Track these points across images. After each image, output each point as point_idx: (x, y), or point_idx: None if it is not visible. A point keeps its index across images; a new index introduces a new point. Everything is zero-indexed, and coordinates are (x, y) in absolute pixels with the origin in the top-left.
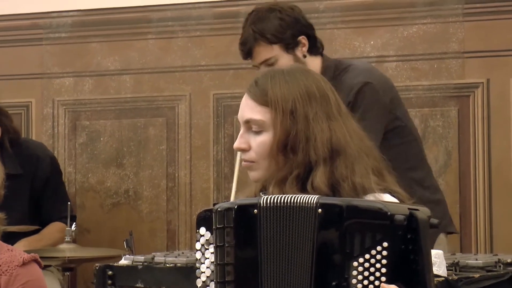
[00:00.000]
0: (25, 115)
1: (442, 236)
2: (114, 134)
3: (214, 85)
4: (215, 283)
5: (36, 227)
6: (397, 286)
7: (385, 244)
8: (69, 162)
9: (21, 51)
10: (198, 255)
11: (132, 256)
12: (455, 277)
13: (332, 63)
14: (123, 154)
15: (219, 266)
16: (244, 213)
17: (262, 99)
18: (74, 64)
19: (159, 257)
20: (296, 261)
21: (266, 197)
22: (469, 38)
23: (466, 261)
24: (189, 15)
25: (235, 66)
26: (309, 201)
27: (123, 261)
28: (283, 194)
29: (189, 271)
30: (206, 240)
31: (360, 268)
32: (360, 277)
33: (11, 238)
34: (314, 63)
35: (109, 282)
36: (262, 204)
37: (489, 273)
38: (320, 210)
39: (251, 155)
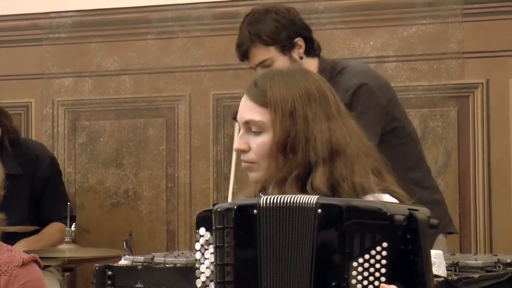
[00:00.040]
0: (25, 115)
1: (441, 237)
2: (113, 134)
3: (213, 86)
4: (214, 284)
5: (36, 227)
6: (397, 286)
7: (385, 245)
8: (69, 162)
9: (21, 52)
10: (198, 255)
11: (132, 257)
12: (455, 277)
13: (329, 64)
14: (122, 154)
15: (219, 266)
16: (243, 213)
17: (262, 100)
18: (74, 64)
19: (158, 258)
20: (295, 261)
21: (265, 197)
22: (468, 39)
23: (466, 261)
24: (189, 15)
25: (234, 67)
26: (309, 201)
27: (123, 262)
28: (283, 194)
29: (189, 271)
30: (206, 240)
31: (360, 269)
32: (359, 277)
33: (10, 239)
34: (311, 65)
35: (109, 282)
36: (261, 205)
37: (489, 273)
38: (319, 210)
39: (250, 156)
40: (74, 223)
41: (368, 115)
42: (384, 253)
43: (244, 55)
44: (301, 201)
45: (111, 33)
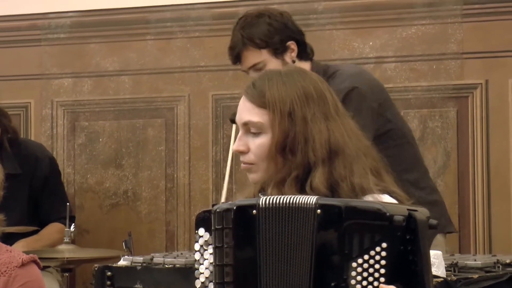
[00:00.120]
0: (24, 116)
1: (439, 237)
2: (113, 135)
3: (213, 86)
4: (214, 284)
5: (35, 228)
6: (396, 286)
7: (384, 245)
8: (68, 163)
9: (20, 52)
10: (197, 256)
11: (131, 257)
12: (454, 278)
13: (321, 68)
14: (122, 155)
15: (218, 267)
16: (243, 214)
17: (260, 101)
18: (73, 65)
19: (158, 258)
20: (295, 261)
21: (265, 198)
22: (467, 39)
23: (465, 262)
24: (188, 16)
25: (234, 67)
26: (308, 201)
27: (122, 262)
28: (282, 195)
29: (188, 272)
30: (205, 241)
31: (359, 269)
32: (359, 277)
33: (9, 239)
34: None
35: (108, 283)
36: (261, 205)
37: (488, 274)
38: (319, 210)
39: (250, 157)
40: (73, 224)
41: (359, 119)
42: (383, 253)
43: (236, 58)
44: (300, 201)
45: (110, 34)
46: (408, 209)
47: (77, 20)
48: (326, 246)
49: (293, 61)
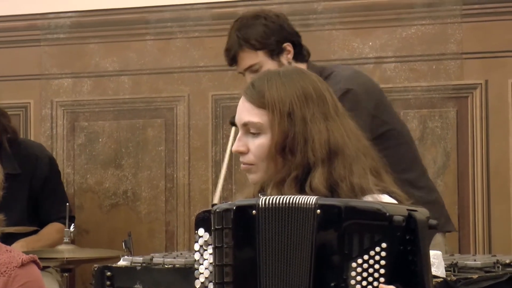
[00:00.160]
0: (24, 116)
1: (438, 237)
2: (112, 135)
3: (212, 86)
4: (213, 284)
5: (35, 228)
6: (396, 287)
7: (384, 245)
8: (68, 163)
9: (19, 52)
10: (197, 256)
11: (131, 257)
12: (454, 278)
13: (317, 70)
14: (121, 155)
15: (218, 267)
16: (242, 214)
17: (259, 102)
18: (73, 65)
19: (157, 258)
20: (294, 262)
21: (264, 198)
22: (467, 39)
23: (465, 262)
24: (188, 16)
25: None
26: (308, 202)
27: (122, 262)
28: (282, 195)
29: (188, 272)
30: (205, 241)
31: (359, 269)
32: (358, 278)
33: (9, 239)
34: None
35: (108, 283)
36: (260, 205)
37: (488, 274)
38: (318, 211)
39: (249, 157)
40: (73, 224)
41: (354, 121)
42: (383, 253)
43: (232, 59)
44: (300, 201)
45: (110, 34)
46: (407, 209)
47: (77, 20)
48: (325, 246)
49: (289, 63)
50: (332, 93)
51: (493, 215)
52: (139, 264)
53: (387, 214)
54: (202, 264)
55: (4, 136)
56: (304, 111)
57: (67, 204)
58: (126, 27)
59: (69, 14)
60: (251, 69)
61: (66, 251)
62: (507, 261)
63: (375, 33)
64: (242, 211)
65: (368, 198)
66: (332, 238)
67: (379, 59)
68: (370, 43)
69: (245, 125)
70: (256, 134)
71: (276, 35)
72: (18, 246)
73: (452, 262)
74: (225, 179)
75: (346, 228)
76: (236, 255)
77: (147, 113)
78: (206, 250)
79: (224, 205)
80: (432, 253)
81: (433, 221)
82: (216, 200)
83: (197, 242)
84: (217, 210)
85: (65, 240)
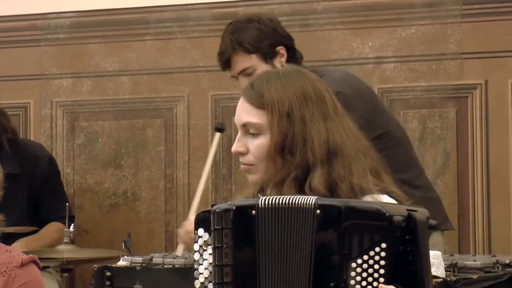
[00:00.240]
0: (24, 116)
1: (437, 236)
2: (112, 135)
3: (212, 86)
4: (213, 284)
5: (34, 228)
6: (395, 287)
7: (384, 245)
8: (68, 163)
9: (19, 52)
10: (196, 256)
11: (130, 257)
12: (454, 278)
13: None
14: (121, 155)
15: (217, 267)
16: (242, 214)
17: (259, 102)
18: (72, 65)
19: (157, 258)
20: (294, 262)
21: (264, 198)
22: (467, 39)
23: (465, 262)
24: (187, 16)
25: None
26: (307, 202)
27: (121, 262)
28: (281, 195)
29: (187, 272)
30: (204, 241)
31: (359, 269)
32: (358, 278)
33: (9, 239)
34: None
35: (107, 283)
36: (260, 205)
37: (487, 274)
38: (318, 211)
39: (249, 158)
40: (72, 224)
41: None
42: (382, 254)
43: (226, 63)
44: (299, 202)
45: (110, 34)
46: (407, 209)
47: (77, 21)
48: (325, 247)
49: (282, 67)
50: (331, 93)
51: (493, 215)
52: (139, 264)
53: (387, 214)
54: (202, 264)
55: (4, 136)
56: (303, 111)
57: (67, 204)
58: (126, 27)
59: (69, 14)
60: (244, 72)
61: (66, 251)
62: (507, 261)
63: (375, 33)
64: (242, 211)
65: (368, 198)
66: (332, 238)
67: (379, 59)
68: (370, 43)
69: (245, 125)
70: (255, 135)
71: (269, 39)
72: (18, 246)
73: (452, 262)
74: (225, 179)
75: (345, 228)
76: (235, 255)
77: (147, 113)
78: (206, 250)
79: (224, 205)
80: (432, 253)
81: (433, 221)
82: (193, 210)
83: (196, 242)
84: (217, 210)
85: (65, 240)
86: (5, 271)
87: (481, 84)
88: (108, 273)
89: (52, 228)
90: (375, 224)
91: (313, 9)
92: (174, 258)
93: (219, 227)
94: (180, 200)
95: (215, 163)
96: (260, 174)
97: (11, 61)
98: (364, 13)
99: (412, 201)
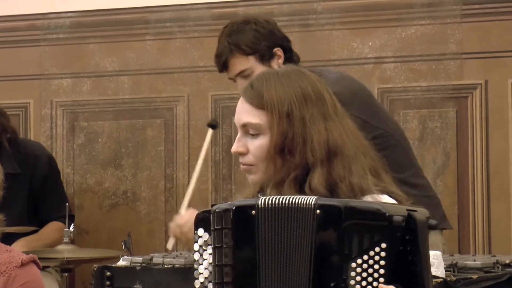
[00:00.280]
0: (23, 116)
1: (435, 235)
2: (112, 135)
3: (212, 86)
4: (213, 284)
5: (34, 228)
6: (395, 287)
7: (384, 245)
8: (67, 163)
9: (19, 52)
10: (196, 256)
11: (130, 257)
12: (454, 278)
13: None
14: (121, 155)
15: (217, 267)
16: (242, 214)
17: (258, 102)
18: (72, 65)
19: (157, 258)
20: (294, 262)
21: (264, 198)
22: (467, 39)
23: (465, 262)
24: (187, 16)
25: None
26: (307, 202)
27: (121, 262)
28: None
29: (187, 272)
30: (204, 241)
31: (358, 269)
32: (358, 278)
33: (9, 238)
34: None
35: (107, 283)
36: (260, 205)
37: (487, 274)
38: (318, 211)
39: (249, 158)
40: (72, 224)
41: None
42: (382, 254)
43: (223, 65)
44: (299, 201)
45: (110, 34)
46: (407, 210)
47: (77, 20)
48: (325, 247)
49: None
50: (331, 93)
51: (493, 215)
52: (139, 264)
53: (387, 214)
54: (202, 264)
55: (3, 136)
56: (303, 111)
57: (67, 204)
58: (126, 27)
59: (69, 14)
60: (242, 74)
61: (66, 251)
62: (507, 261)
63: (375, 33)
64: (242, 211)
65: (368, 198)
66: (332, 238)
67: (379, 59)
68: (370, 43)
69: (244, 126)
70: (255, 135)
71: (266, 40)
72: (19, 245)
73: (452, 262)
74: (225, 179)
75: (345, 228)
76: (235, 255)
77: (147, 113)
78: (206, 250)
79: (224, 205)
80: (432, 253)
81: (433, 221)
82: (184, 205)
83: (196, 242)
84: (217, 210)
85: (64, 240)
86: (5, 271)
87: (481, 84)
88: (108, 273)
89: (52, 228)
90: (375, 224)
91: (313, 9)
92: (174, 258)
93: (219, 227)
94: (180, 200)
95: (214, 163)
96: (260, 174)
97: (11, 61)
98: (364, 13)
99: (412, 201)
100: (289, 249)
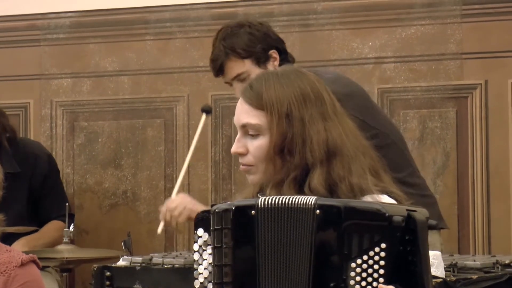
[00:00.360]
0: (23, 116)
1: (432, 235)
2: (112, 135)
3: (212, 86)
4: (212, 284)
5: (34, 228)
6: (395, 287)
7: (383, 245)
8: (67, 163)
9: (19, 52)
10: (196, 256)
11: (130, 257)
12: (453, 278)
13: None
14: (121, 155)
15: (217, 267)
16: (242, 214)
17: (258, 103)
18: (72, 65)
19: (157, 258)
20: (294, 262)
21: (264, 198)
22: (467, 39)
23: (464, 262)
24: (187, 16)
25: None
26: (307, 202)
27: (121, 262)
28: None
29: (187, 272)
30: (204, 241)
31: (358, 269)
32: (358, 278)
33: (9, 238)
34: None
35: (107, 283)
36: (260, 205)
37: (487, 274)
38: (318, 211)
39: (249, 159)
40: (72, 223)
41: None
42: (382, 254)
43: (219, 70)
44: (299, 202)
45: (110, 34)
46: (407, 210)
47: (76, 20)
48: (325, 247)
49: None
50: (330, 92)
51: (493, 215)
52: (139, 264)
53: (387, 214)
54: (201, 264)
55: (3, 135)
56: (302, 111)
57: (67, 204)
58: (126, 27)
59: (69, 14)
60: (238, 78)
61: (66, 251)
62: (507, 262)
63: (374, 33)
64: (241, 211)
65: (368, 198)
66: (332, 239)
67: (379, 59)
68: (370, 43)
69: (244, 126)
70: (255, 136)
71: (261, 43)
72: (19, 245)
73: (452, 262)
74: (225, 179)
75: (345, 229)
76: (235, 255)
77: (147, 113)
78: (206, 250)
79: (223, 205)
80: (432, 253)
81: (432, 221)
82: (176, 189)
83: (196, 242)
84: (216, 210)
85: (64, 240)
86: (5, 271)
87: (481, 84)
88: (108, 273)
89: (52, 226)
90: (375, 224)
91: (313, 9)
92: (173, 258)
93: (218, 227)
94: None
95: (214, 163)
96: (259, 175)
97: (11, 61)
98: (364, 13)
99: (412, 201)
100: (289, 249)
